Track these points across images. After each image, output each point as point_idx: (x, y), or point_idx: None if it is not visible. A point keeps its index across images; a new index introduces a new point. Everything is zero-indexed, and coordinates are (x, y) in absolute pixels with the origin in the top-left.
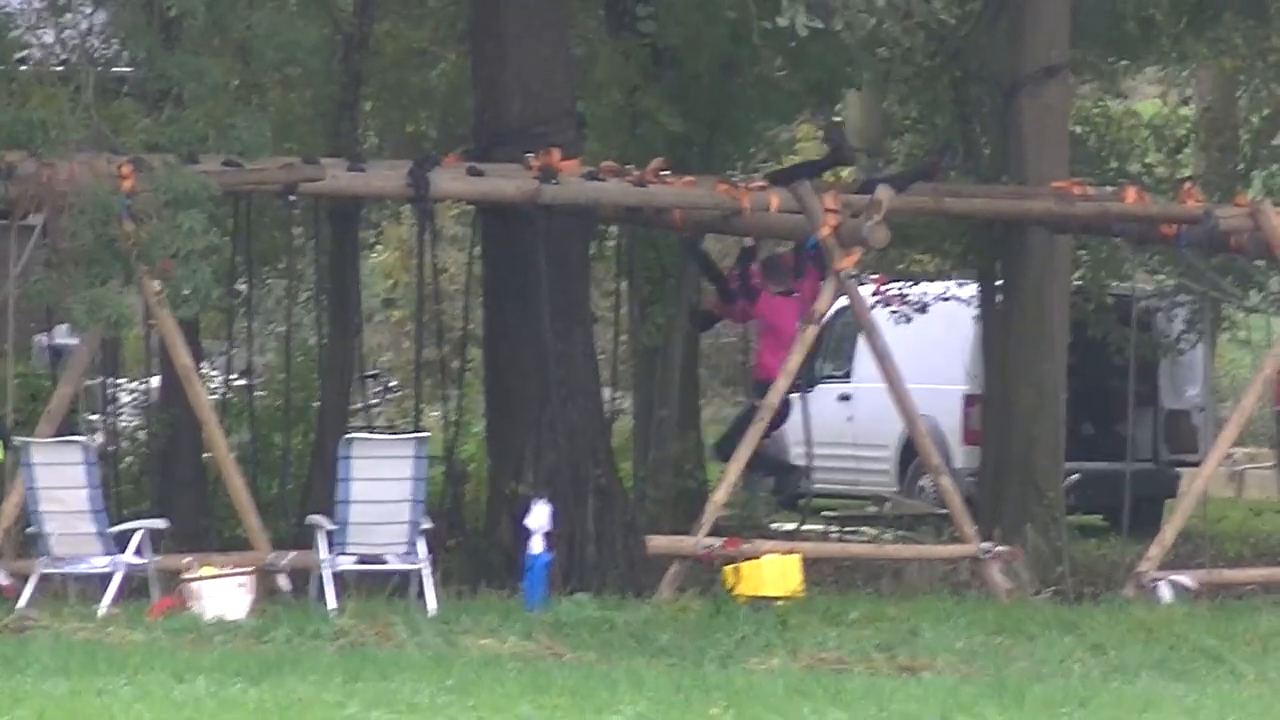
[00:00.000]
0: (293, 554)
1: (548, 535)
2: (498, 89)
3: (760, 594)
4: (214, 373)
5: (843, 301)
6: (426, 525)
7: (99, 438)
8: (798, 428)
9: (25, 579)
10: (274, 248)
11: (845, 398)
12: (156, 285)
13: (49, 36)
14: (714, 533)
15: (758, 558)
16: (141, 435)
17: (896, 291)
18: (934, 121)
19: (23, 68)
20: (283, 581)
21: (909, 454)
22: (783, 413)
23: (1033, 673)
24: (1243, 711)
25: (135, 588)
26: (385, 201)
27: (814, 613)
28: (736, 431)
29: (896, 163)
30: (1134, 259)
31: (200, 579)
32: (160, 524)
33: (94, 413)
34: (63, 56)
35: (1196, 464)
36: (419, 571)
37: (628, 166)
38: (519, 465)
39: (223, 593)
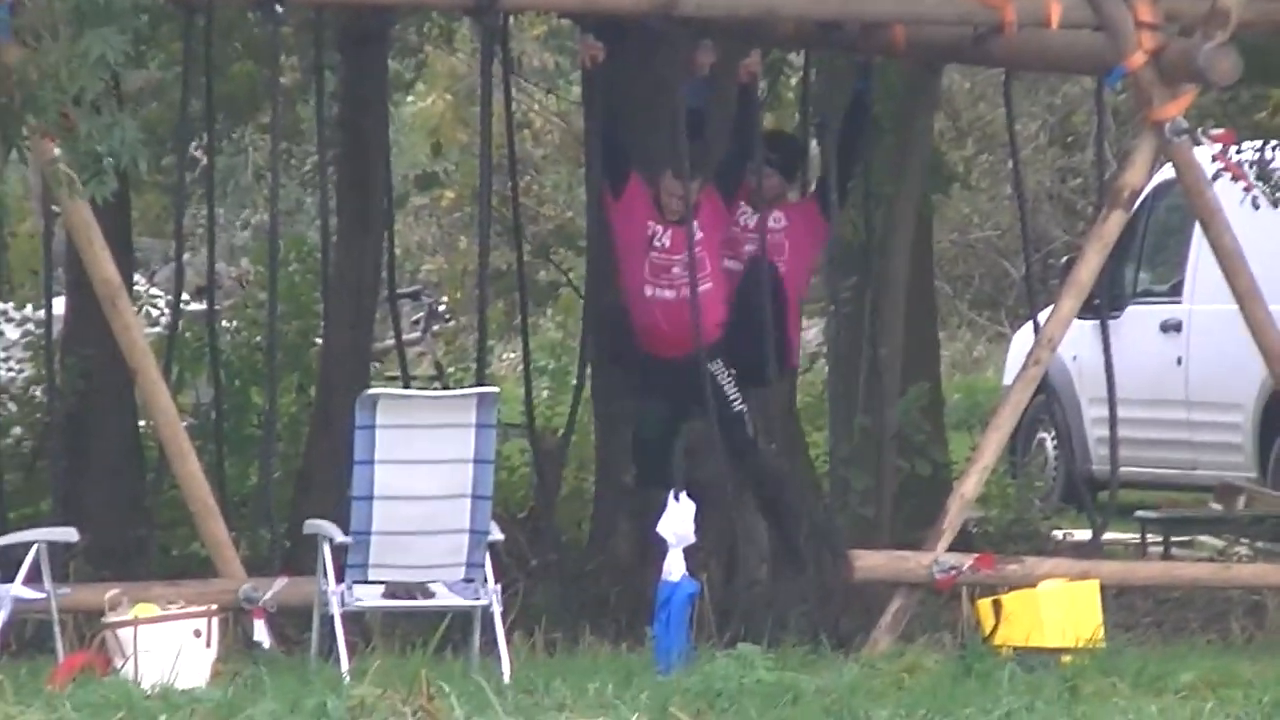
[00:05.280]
0: (281, 583)
1: (692, 552)
2: None
3: (1036, 644)
4: (154, 291)
5: (1167, 173)
6: (496, 536)
7: None
8: (1092, 376)
9: None
10: (250, 90)
11: (1172, 327)
12: (54, 150)
13: None
14: (961, 546)
15: (1031, 585)
16: (37, 394)
17: (1253, 159)
18: None
19: None
20: (261, 629)
21: (1276, 417)
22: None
23: None
24: None
25: (30, 636)
26: (430, 13)
27: (1122, 675)
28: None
29: None
30: None
31: (133, 624)
32: (68, 535)
33: None
34: None
35: None
36: (483, 610)
37: None
38: None
39: (169, 646)
